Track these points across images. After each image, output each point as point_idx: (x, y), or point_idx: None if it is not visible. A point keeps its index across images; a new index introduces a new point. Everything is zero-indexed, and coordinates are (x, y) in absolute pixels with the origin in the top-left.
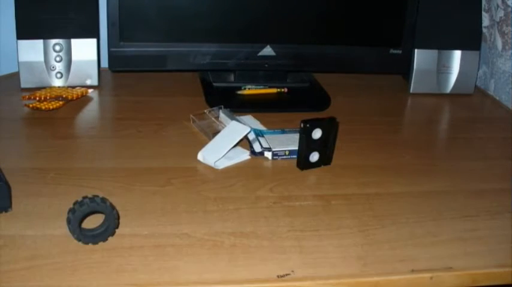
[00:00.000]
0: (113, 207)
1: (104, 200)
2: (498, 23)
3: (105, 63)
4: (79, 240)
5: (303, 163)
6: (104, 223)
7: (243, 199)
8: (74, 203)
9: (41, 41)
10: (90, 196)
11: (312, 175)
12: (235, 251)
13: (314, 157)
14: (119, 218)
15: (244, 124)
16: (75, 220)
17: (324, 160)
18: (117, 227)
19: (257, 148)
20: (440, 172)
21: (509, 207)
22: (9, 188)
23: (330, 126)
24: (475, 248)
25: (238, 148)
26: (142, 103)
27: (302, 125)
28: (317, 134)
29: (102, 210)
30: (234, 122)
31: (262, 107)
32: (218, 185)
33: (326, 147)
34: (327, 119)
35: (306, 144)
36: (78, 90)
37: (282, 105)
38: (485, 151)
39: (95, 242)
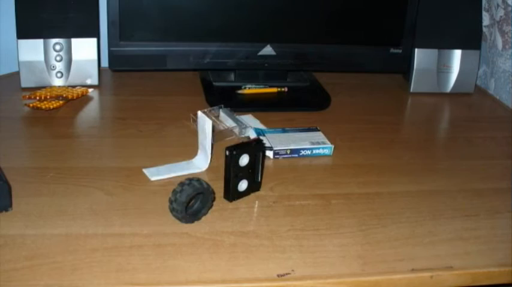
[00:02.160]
0: (208, 185)
1: (199, 180)
2: (498, 22)
3: (105, 63)
4: (185, 220)
5: (232, 193)
6: (196, 200)
7: (243, 198)
8: (182, 185)
9: (41, 40)
10: (187, 182)
11: (312, 174)
12: (235, 251)
13: (242, 185)
14: (214, 193)
15: (242, 124)
16: (182, 199)
17: (253, 187)
18: (214, 200)
19: None
20: (440, 171)
21: (509, 206)
22: (9, 187)
23: (257, 150)
24: (475, 248)
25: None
26: (143, 102)
27: (227, 153)
28: (244, 160)
29: (202, 190)
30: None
31: (262, 107)
32: (218, 184)
33: (254, 173)
34: (253, 142)
35: (234, 173)
36: (79, 90)
37: (282, 104)
38: (486, 150)
39: (199, 218)
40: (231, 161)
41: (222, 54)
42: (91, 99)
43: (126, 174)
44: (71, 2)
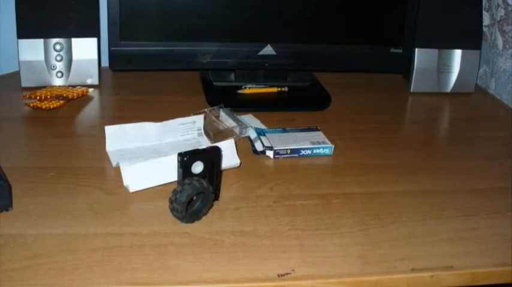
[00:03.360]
0: (208, 184)
1: (199, 180)
2: (499, 22)
3: (105, 63)
4: (186, 220)
5: None
6: (197, 200)
7: (243, 198)
8: (182, 184)
9: (42, 40)
10: (187, 181)
11: (312, 174)
12: (235, 250)
13: None
14: (214, 192)
15: (243, 124)
16: (182, 198)
17: None
18: (215, 199)
19: (259, 146)
20: (440, 171)
21: (509, 206)
22: (9, 187)
23: (213, 158)
24: (475, 247)
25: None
26: (143, 102)
27: (179, 159)
28: (198, 168)
29: (203, 190)
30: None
31: (262, 106)
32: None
33: (210, 182)
34: (209, 149)
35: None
36: (79, 90)
37: (282, 104)
38: (486, 149)
39: (199, 218)
40: (181, 167)
41: (222, 54)
42: (91, 99)
43: None
44: (71, 2)
